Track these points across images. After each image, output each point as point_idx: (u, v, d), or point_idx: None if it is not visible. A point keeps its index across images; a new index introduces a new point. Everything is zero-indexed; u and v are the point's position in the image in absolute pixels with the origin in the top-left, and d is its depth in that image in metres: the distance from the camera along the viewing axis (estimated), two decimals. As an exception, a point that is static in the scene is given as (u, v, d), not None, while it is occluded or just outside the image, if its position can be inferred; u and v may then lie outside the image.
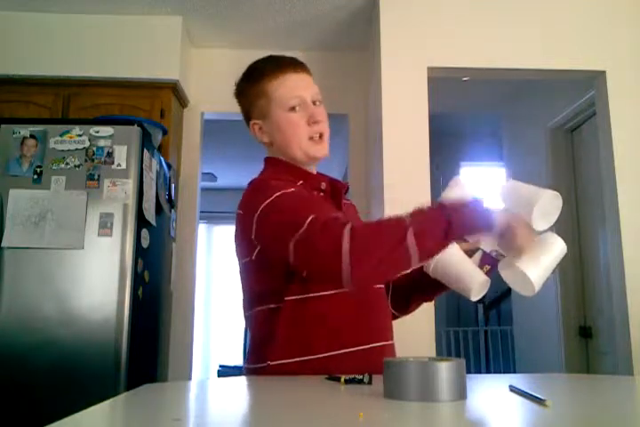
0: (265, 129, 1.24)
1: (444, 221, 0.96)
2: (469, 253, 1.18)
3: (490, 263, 1.14)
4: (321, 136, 1.22)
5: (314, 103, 1.22)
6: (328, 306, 1.13)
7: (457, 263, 1.15)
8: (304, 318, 1.12)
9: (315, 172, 1.28)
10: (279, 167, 1.24)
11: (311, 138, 1.21)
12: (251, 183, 1.20)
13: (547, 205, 1.07)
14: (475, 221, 1.00)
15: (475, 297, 1.14)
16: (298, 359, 1.11)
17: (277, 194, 1.09)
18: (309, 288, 1.12)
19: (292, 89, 1.21)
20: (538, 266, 1.04)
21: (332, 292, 1.13)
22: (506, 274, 1.09)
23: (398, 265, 0.99)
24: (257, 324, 1.19)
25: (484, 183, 5.30)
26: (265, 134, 1.25)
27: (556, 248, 1.08)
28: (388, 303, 1.29)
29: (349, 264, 0.94)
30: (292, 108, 1.20)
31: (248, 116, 1.27)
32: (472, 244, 1.18)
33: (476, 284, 1.12)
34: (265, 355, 1.14)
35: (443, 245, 0.99)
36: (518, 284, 1.07)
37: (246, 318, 1.22)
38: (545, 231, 1.09)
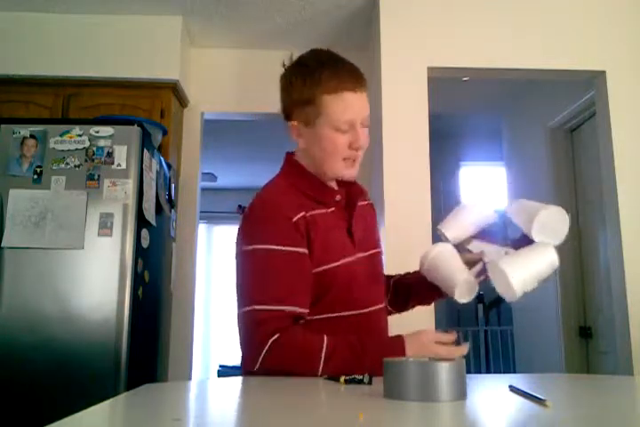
0: (304, 136, 1.21)
1: (358, 362, 1.03)
2: (470, 264, 1.17)
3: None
4: (354, 160, 1.21)
5: (362, 124, 1.19)
6: (320, 329, 1.12)
7: (445, 262, 1.14)
8: None
9: (333, 183, 1.27)
10: (297, 176, 1.23)
11: (345, 159, 1.20)
12: (255, 203, 1.18)
13: (548, 220, 1.07)
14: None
15: (460, 298, 1.11)
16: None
17: (254, 248, 1.12)
18: None
19: (346, 110, 1.15)
20: (522, 271, 1.03)
21: (325, 316, 1.15)
22: (493, 276, 1.08)
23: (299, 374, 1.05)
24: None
25: (483, 184, 5.30)
26: (301, 139, 1.22)
27: (546, 258, 1.06)
28: (386, 324, 1.30)
29: (259, 365, 1.06)
30: (341, 130, 1.16)
31: (288, 114, 1.22)
32: (474, 255, 1.18)
33: (459, 283, 1.10)
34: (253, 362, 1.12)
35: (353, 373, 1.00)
36: (502, 287, 1.06)
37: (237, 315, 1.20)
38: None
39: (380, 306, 1.25)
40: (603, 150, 2.71)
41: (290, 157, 1.28)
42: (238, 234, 1.18)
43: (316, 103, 1.16)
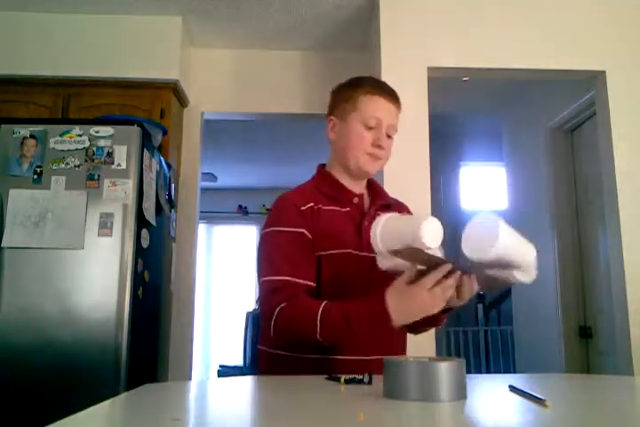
0: (337, 129, 1.36)
1: (344, 316, 1.09)
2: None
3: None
4: (377, 158, 1.34)
5: (387, 135, 1.34)
6: None
7: (399, 222, 1.13)
8: None
9: (361, 185, 1.39)
10: (320, 181, 1.37)
11: (369, 154, 1.33)
12: (276, 199, 1.32)
13: (478, 232, 0.99)
14: (369, 316, 1.08)
15: (427, 242, 1.03)
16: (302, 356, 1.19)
17: (268, 230, 1.27)
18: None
19: (378, 110, 1.32)
20: (385, 227, 1.07)
21: None
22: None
23: (309, 338, 1.13)
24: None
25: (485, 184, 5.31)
26: (334, 133, 1.37)
27: (412, 224, 1.04)
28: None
29: (272, 330, 1.17)
30: (369, 126, 1.31)
31: (329, 112, 1.39)
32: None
33: (421, 222, 1.04)
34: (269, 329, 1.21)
35: (347, 331, 1.10)
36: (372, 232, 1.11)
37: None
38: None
39: None
40: (603, 150, 2.71)
41: (320, 166, 1.43)
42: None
43: (353, 100, 1.33)
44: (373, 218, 1.32)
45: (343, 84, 1.40)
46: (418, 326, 1.37)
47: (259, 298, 1.25)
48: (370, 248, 1.26)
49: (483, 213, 1.01)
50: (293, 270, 1.20)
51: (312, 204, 1.28)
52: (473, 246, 0.98)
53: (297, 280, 1.20)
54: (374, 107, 1.32)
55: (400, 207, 1.45)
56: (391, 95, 1.35)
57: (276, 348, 1.25)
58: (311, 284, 1.21)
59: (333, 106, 1.39)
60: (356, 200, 1.34)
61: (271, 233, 1.26)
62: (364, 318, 1.08)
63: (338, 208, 1.31)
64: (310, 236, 1.24)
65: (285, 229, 1.24)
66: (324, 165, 1.43)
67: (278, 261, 1.22)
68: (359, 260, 1.26)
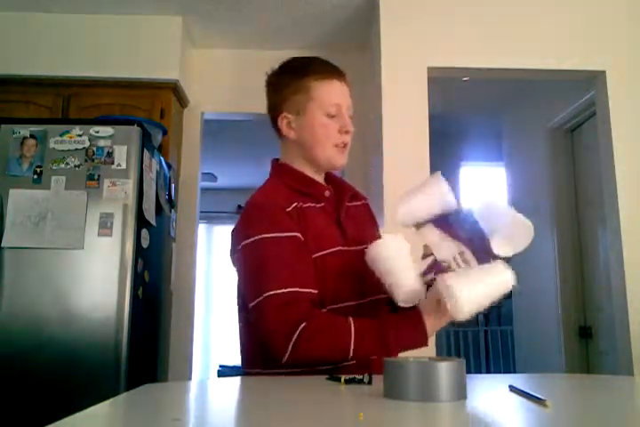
0: (294, 125, 1.25)
1: (382, 341, 1.06)
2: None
3: (437, 272, 1.07)
4: (344, 146, 1.26)
5: (347, 112, 1.26)
6: None
7: (392, 262, 1.08)
8: None
9: (322, 178, 1.31)
10: (285, 176, 1.26)
11: (336, 145, 1.24)
12: (249, 202, 1.20)
13: (513, 231, 1.04)
14: (410, 341, 1.09)
15: (403, 304, 1.08)
16: (289, 370, 1.09)
17: (256, 238, 1.12)
18: None
19: (335, 95, 1.23)
20: (474, 296, 0.99)
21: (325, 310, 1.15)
22: (443, 292, 1.01)
23: (334, 362, 1.08)
24: (244, 330, 1.22)
25: (480, 184, 5.30)
26: (292, 130, 1.25)
27: (501, 282, 1.01)
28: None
29: (290, 354, 1.05)
30: (330, 115, 1.23)
31: (277, 109, 1.26)
32: (425, 248, 1.15)
33: (403, 290, 1.06)
34: (256, 362, 1.17)
35: (382, 355, 1.03)
36: (452, 306, 1.00)
37: (238, 319, 1.23)
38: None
39: (376, 298, 1.23)
40: (603, 150, 2.71)
41: (274, 161, 1.32)
42: (234, 234, 1.19)
43: (305, 90, 1.22)
44: (351, 214, 1.28)
45: (282, 74, 1.27)
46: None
47: (260, 318, 1.09)
48: (353, 242, 1.23)
49: (518, 218, 1.05)
50: (299, 280, 1.10)
51: (295, 203, 1.18)
52: (505, 248, 1.04)
53: (305, 290, 1.10)
54: (329, 91, 1.22)
55: (359, 196, 1.39)
56: (340, 74, 1.26)
57: (275, 367, 1.09)
58: (316, 291, 1.12)
59: (281, 100, 1.25)
60: (327, 194, 1.26)
61: (263, 241, 1.12)
62: (404, 342, 1.08)
63: (314, 204, 1.23)
64: (303, 239, 1.15)
65: (279, 234, 1.12)
66: (277, 160, 1.32)
67: (281, 272, 1.10)
68: (349, 256, 1.20)
